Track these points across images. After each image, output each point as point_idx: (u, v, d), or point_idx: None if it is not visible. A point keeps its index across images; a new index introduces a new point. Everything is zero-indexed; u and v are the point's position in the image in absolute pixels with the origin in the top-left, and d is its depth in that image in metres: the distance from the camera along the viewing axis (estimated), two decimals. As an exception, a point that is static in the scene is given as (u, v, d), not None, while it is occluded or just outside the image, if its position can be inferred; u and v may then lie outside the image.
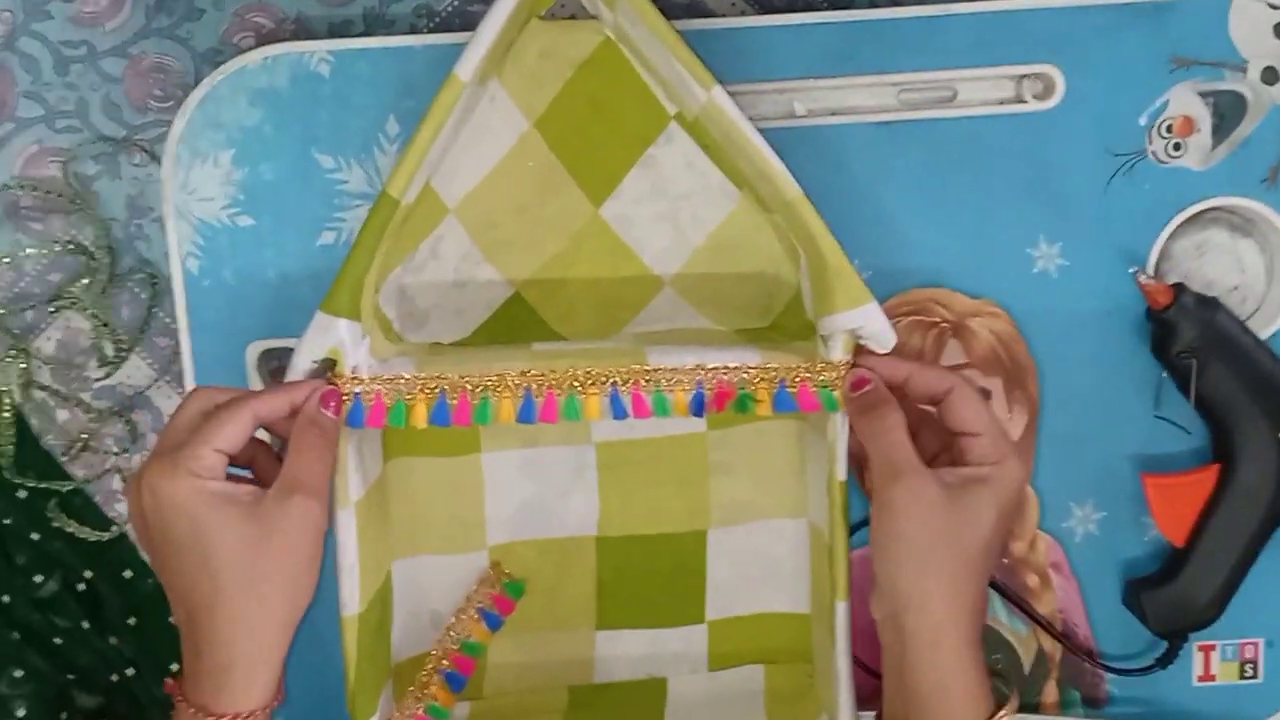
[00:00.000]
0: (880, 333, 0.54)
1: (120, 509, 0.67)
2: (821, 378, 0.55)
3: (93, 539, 0.66)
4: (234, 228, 0.61)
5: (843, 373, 0.55)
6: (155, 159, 0.64)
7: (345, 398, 0.54)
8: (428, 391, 0.55)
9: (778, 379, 0.55)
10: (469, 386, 0.55)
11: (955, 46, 0.61)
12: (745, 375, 0.55)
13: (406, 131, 0.60)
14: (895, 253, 0.62)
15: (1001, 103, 0.62)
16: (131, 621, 0.67)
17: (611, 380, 0.55)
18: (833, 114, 0.62)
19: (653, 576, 0.64)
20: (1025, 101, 0.62)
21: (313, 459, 0.51)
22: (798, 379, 0.55)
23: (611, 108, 0.60)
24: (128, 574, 0.67)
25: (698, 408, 0.55)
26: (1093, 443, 0.64)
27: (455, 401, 0.55)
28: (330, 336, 0.53)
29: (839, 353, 0.55)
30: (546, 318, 0.62)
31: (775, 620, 0.64)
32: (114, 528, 0.67)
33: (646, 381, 0.55)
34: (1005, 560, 0.65)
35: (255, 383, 0.62)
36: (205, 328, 0.61)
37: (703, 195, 0.61)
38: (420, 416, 0.54)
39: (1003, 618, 0.66)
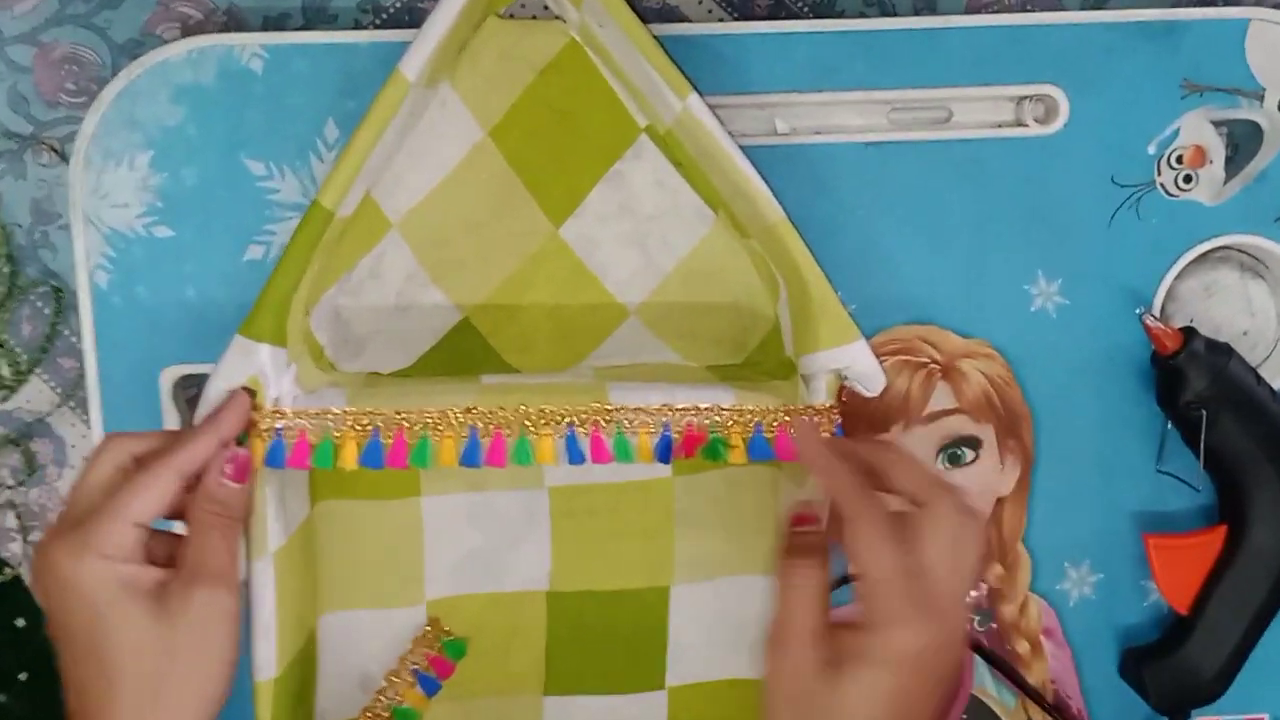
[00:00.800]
0: (868, 373, 0.49)
1: (14, 549, 0.60)
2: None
3: (-19, 583, 0.59)
4: (150, 239, 0.55)
5: (827, 417, 0.49)
6: (65, 159, 0.57)
7: (264, 433, 0.48)
8: (359, 429, 0.49)
9: (753, 423, 0.50)
10: (406, 424, 0.49)
11: (951, 63, 0.56)
12: (717, 418, 0.50)
13: (347, 137, 0.54)
14: (882, 286, 0.58)
15: (1000, 125, 0.57)
16: (23, 677, 0.60)
17: (568, 420, 0.50)
18: (817, 133, 0.57)
19: (609, 637, 0.58)
20: (1026, 125, 0.57)
21: (215, 540, 0.45)
22: (775, 424, 0.50)
23: (576, 117, 0.54)
24: (20, 623, 0.60)
25: (664, 453, 0.50)
26: (1091, 498, 0.60)
27: (390, 440, 0.49)
28: (250, 363, 0.47)
29: (822, 395, 0.50)
30: (498, 347, 0.56)
31: (743, 687, 0.59)
32: (6, 570, 0.59)
33: (607, 422, 0.50)
34: (993, 625, 0.60)
35: (169, 412, 0.56)
36: (114, 349, 0.55)
37: (674, 217, 0.56)
38: (350, 457, 0.49)
39: (990, 688, 0.61)
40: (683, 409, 0.50)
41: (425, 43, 0.47)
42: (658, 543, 0.58)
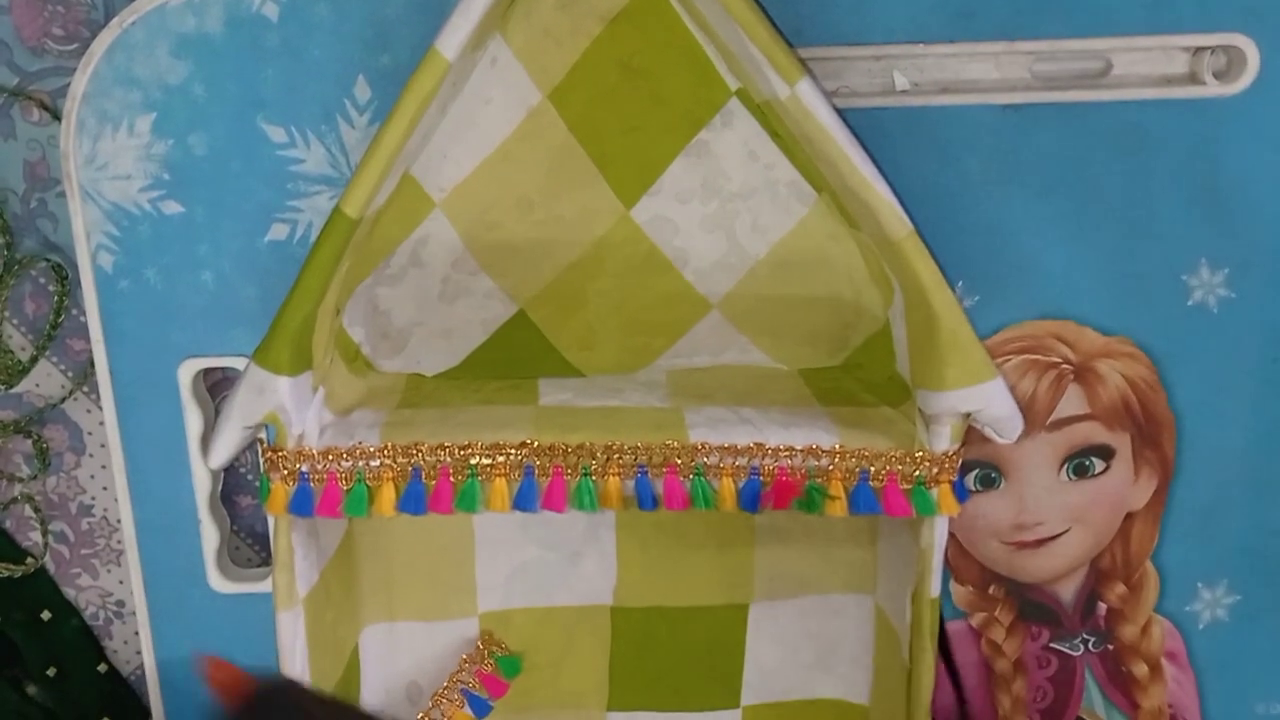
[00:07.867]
0: (1003, 417, 0.41)
1: (35, 538, 0.55)
2: (917, 472, 0.42)
3: (3, 575, 0.54)
4: (157, 215, 0.47)
5: (947, 467, 0.42)
6: (56, 117, 0.49)
7: (287, 477, 0.41)
8: (396, 468, 0.42)
9: (858, 470, 0.42)
10: (451, 462, 0.42)
11: (1111, 5, 0.46)
12: (816, 462, 0.43)
13: (380, 97, 0.46)
14: (1012, 274, 0.49)
15: (1170, 82, 0.48)
16: (51, 672, 0.56)
17: (639, 460, 0.43)
18: (944, 91, 0.47)
19: (679, 653, 0.53)
20: (1202, 83, 0.47)
21: None
22: (884, 471, 0.42)
23: (652, 77, 0.45)
24: (46, 615, 0.56)
25: (750, 502, 0.43)
26: (1235, 513, 0.53)
27: (433, 482, 0.42)
28: (267, 399, 0.41)
29: (945, 441, 0.42)
30: (558, 344, 0.49)
31: (826, 709, 0.53)
32: (29, 560, 0.55)
33: (685, 463, 0.43)
34: (1110, 646, 0.54)
35: (191, 408, 0.49)
36: (125, 339, 0.49)
37: (766, 195, 0.47)
38: (386, 503, 0.42)
39: (1099, 708, 0.55)
40: (775, 449, 0.43)
41: (468, 14, 0.38)
42: (735, 558, 0.52)
